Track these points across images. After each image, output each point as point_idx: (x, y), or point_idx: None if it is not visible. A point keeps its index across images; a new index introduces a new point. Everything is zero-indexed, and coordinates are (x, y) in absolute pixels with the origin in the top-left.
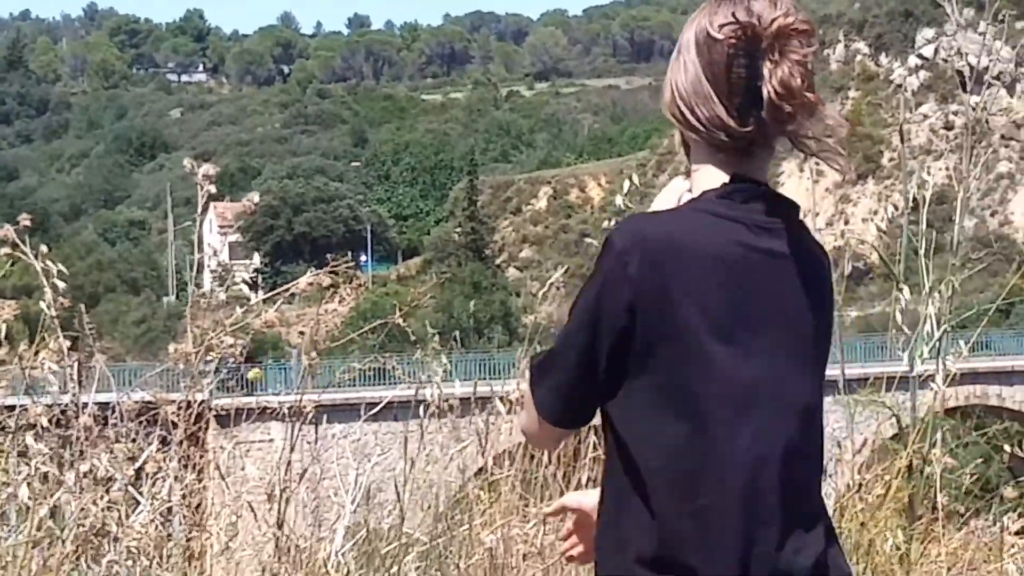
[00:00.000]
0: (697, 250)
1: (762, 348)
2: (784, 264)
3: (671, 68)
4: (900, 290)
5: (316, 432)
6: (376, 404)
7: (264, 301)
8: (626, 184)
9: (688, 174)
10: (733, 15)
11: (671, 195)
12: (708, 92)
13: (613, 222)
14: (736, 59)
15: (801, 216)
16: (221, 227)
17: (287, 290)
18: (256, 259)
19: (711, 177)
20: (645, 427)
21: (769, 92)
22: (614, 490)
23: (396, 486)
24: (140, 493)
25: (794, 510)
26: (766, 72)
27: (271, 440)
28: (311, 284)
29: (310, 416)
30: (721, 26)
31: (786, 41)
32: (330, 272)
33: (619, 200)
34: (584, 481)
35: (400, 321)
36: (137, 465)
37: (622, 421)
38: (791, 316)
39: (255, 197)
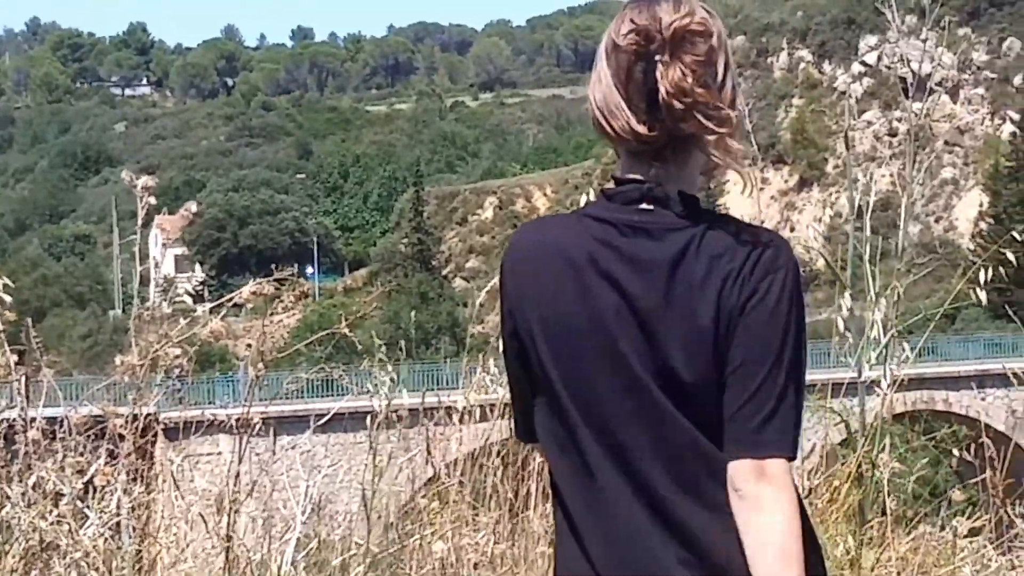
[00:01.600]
0: (550, 255)
1: (610, 355)
2: (655, 266)
3: (590, 80)
4: (852, 296)
5: (273, 443)
6: (324, 415)
7: (209, 312)
8: (583, 199)
9: None
10: (633, 21)
11: None
12: (618, 100)
13: None
14: (637, 64)
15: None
16: (166, 241)
17: (231, 300)
18: (199, 271)
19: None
20: (543, 430)
21: (662, 92)
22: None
23: (364, 496)
24: (88, 507)
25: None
26: (658, 74)
27: (219, 453)
28: (255, 293)
29: (258, 428)
30: (625, 33)
31: (680, 42)
32: (274, 282)
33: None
34: (533, 490)
35: (347, 332)
36: (85, 478)
37: (537, 426)
38: (639, 320)
39: (192, 206)
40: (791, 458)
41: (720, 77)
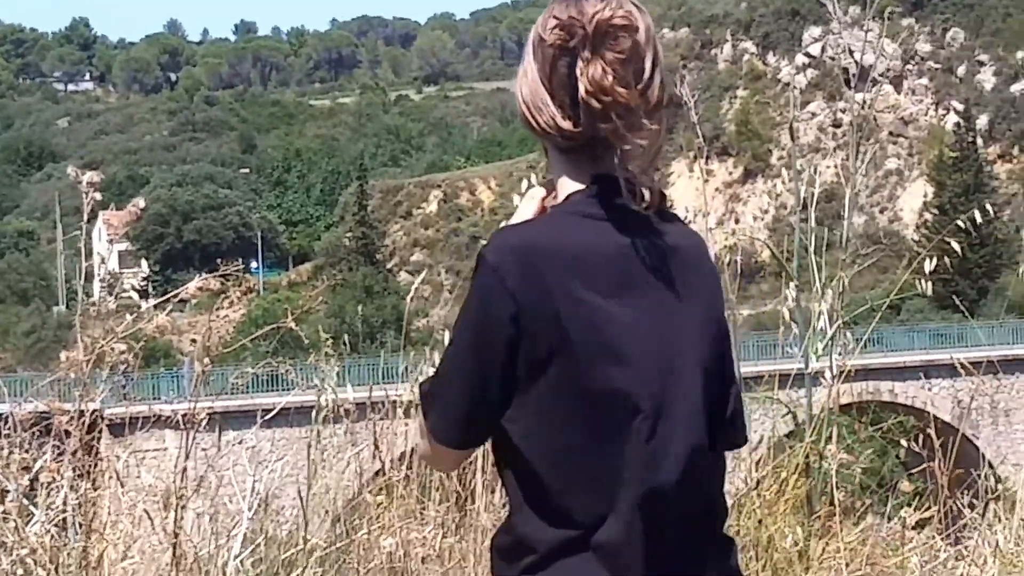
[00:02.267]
0: (572, 253)
1: (656, 350)
2: (659, 255)
3: (518, 76)
4: (798, 287)
5: (218, 439)
6: (271, 410)
7: (155, 307)
8: (524, 184)
9: (548, 181)
10: (557, 15)
11: (531, 204)
12: (543, 96)
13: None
14: (560, 59)
15: (690, 215)
16: (110, 236)
17: (177, 295)
18: (144, 266)
19: (571, 180)
20: (544, 434)
21: (581, 90)
22: (510, 498)
23: (300, 492)
24: (34, 503)
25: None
26: (578, 70)
27: (165, 448)
28: (201, 289)
29: (204, 423)
30: (550, 28)
31: (603, 37)
32: (220, 277)
33: (516, 200)
34: (480, 485)
35: (293, 326)
36: (31, 475)
37: (518, 432)
38: (678, 308)
39: (140, 202)
40: None
41: (647, 75)
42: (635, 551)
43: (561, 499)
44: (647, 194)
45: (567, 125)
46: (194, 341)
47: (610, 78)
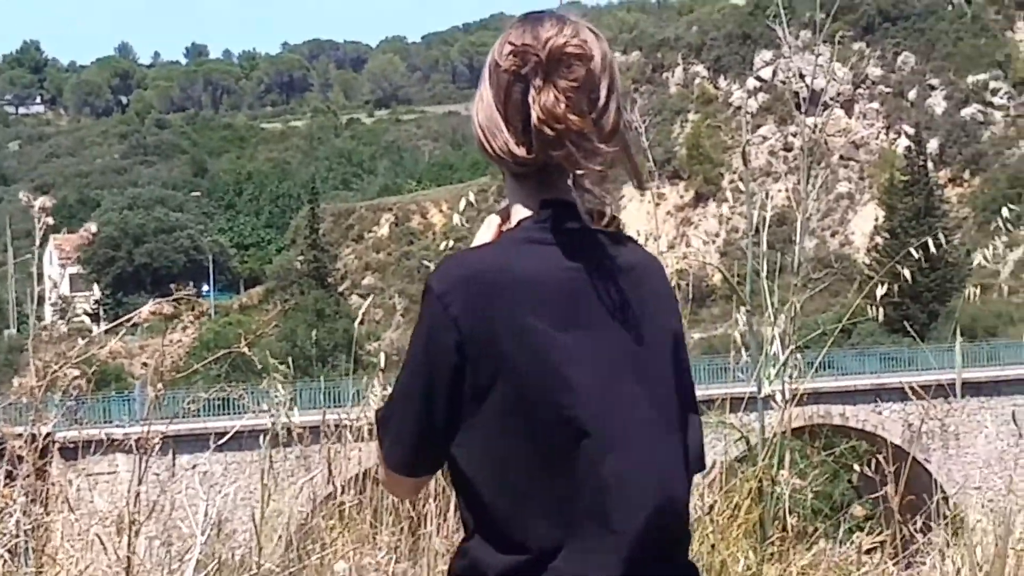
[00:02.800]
0: (517, 279)
1: (604, 376)
2: (608, 279)
3: (475, 100)
4: (749, 312)
5: (173, 462)
6: (224, 434)
7: (106, 332)
8: (462, 203)
9: (504, 208)
10: (513, 41)
11: (488, 231)
12: (498, 121)
13: (451, 244)
14: (515, 85)
15: (641, 238)
16: (61, 259)
17: (129, 320)
18: (96, 291)
19: (522, 206)
20: (491, 460)
21: (534, 117)
22: (463, 522)
23: (254, 516)
24: None
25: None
26: (531, 97)
27: (115, 472)
28: (154, 313)
29: (157, 447)
30: (505, 54)
31: (556, 64)
32: (172, 301)
33: (456, 219)
34: (434, 510)
35: (246, 350)
36: None
37: (465, 458)
38: (628, 333)
39: (92, 227)
40: None
41: (601, 103)
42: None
43: (512, 525)
44: (604, 214)
45: (520, 151)
46: (145, 365)
47: (563, 106)
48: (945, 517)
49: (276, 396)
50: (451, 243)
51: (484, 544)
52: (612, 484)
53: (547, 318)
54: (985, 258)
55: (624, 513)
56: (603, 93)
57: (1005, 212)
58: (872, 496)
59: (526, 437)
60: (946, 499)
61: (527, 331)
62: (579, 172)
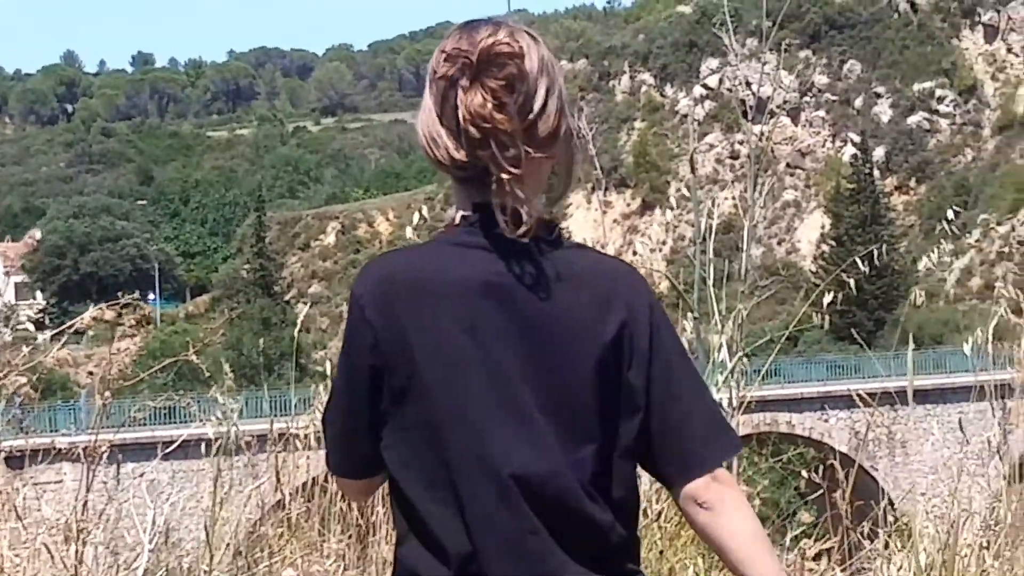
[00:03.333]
0: (431, 282)
1: (498, 381)
2: (532, 287)
3: (420, 109)
4: (696, 319)
5: (117, 471)
6: (172, 443)
7: (51, 339)
8: (415, 217)
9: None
10: (446, 48)
11: None
12: (439, 128)
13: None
14: (451, 90)
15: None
16: (6, 268)
17: (72, 326)
18: (40, 298)
19: (463, 210)
20: (408, 464)
21: (460, 117)
22: (396, 529)
23: (205, 524)
24: None
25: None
26: (458, 99)
27: (61, 481)
28: (96, 319)
29: (105, 456)
30: (442, 60)
31: (487, 64)
32: (115, 308)
33: (409, 232)
34: (382, 517)
35: (194, 359)
36: None
37: (392, 460)
38: (536, 338)
39: (37, 234)
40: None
41: (538, 104)
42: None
43: (432, 531)
44: (524, 221)
45: (460, 155)
46: (91, 373)
47: (489, 105)
48: (891, 524)
49: (223, 405)
50: None
51: (415, 549)
52: (506, 493)
53: (453, 322)
54: (931, 262)
55: (479, 526)
56: (540, 95)
57: (950, 214)
58: (815, 495)
59: (430, 442)
60: (892, 505)
61: (431, 334)
62: (504, 175)
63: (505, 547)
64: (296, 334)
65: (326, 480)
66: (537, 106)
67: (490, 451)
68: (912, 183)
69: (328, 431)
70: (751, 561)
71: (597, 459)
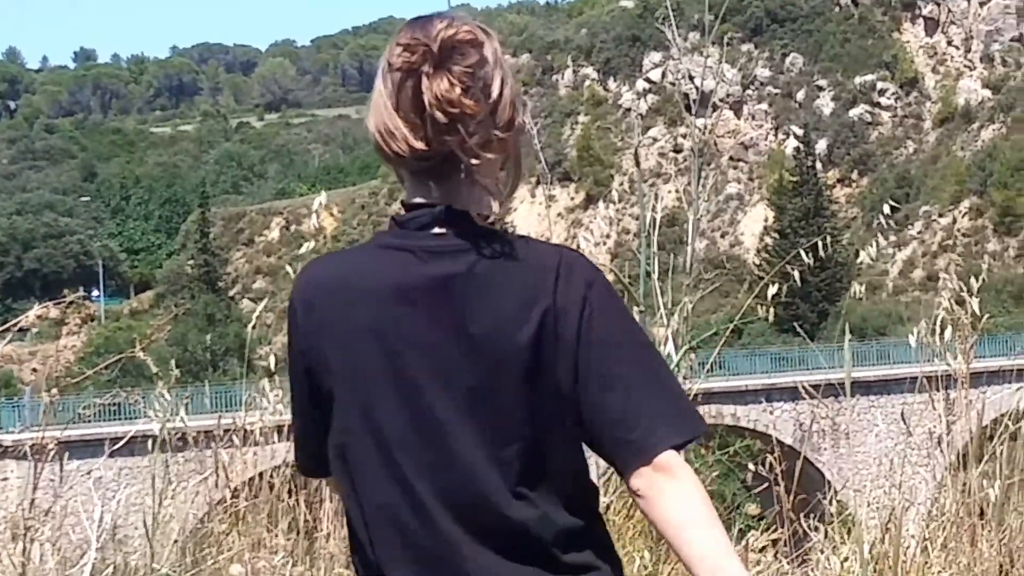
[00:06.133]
0: (349, 290)
1: (405, 389)
2: (458, 287)
3: (370, 108)
4: (641, 312)
5: (61, 468)
6: (118, 439)
7: None
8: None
9: None
10: (399, 41)
11: None
12: (395, 120)
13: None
14: (407, 80)
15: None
16: None
17: (16, 324)
18: None
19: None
20: (336, 469)
21: (426, 102)
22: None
23: (144, 522)
24: None
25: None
26: (423, 86)
27: (6, 479)
28: (40, 317)
29: (52, 453)
30: (397, 52)
31: (450, 52)
32: (59, 305)
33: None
34: (330, 513)
35: (141, 355)
36: None
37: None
38: (454, 341)
39: None
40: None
41: (496, 93)
42: None
43: (359, 542)
44: (492, 208)
45: (419, 144)
46: (35, 370)
47: (457, 90)
48: (836, 515)
49: (168, 401)
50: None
51: (362, 561)
52: (421, 501)
53: (367, 330)
54: (870, 256)
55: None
56: (496, 85)
57: (887, 209)
58: (761, 490)
59: (352, 449)
60: (837, 497)
61: (344, 341)
62: (474, 161)
63: (424, 560)
64: (251, 330)
65: (272, 475)
66: (495, 92)
67: (399, 463)
68: (854, 175)
69: (292, 430)
70: (680, 545)
71: (527, 456)
